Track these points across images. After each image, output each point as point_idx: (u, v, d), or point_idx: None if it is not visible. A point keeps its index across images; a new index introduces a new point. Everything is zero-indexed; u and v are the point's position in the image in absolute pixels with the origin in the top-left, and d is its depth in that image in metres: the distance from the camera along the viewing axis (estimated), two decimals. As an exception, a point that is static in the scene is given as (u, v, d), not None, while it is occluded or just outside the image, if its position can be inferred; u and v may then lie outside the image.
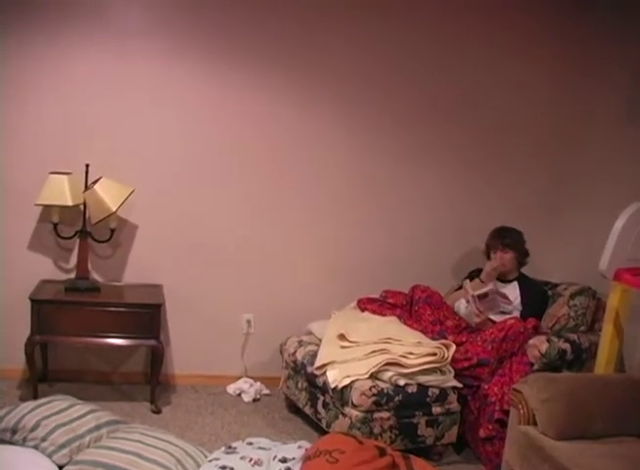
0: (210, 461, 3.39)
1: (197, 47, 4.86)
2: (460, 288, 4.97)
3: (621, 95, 5.12)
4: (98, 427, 3.58)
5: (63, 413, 3.58)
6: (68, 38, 4.70)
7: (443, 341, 4.31)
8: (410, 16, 5.11)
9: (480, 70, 5.28)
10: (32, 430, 3.40)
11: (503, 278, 4.90)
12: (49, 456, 3.28)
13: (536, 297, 4.88)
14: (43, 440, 3.35)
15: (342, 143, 5.19)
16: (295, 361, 4.60)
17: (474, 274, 5.00)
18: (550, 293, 4.96)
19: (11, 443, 3.40)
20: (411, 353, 4.11)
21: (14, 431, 3.42)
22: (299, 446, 3.55)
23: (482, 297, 4.65)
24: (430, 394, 4.12)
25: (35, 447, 3.33)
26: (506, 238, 4.87)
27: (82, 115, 4.79)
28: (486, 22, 5.22)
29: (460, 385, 4.22)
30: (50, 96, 4.74)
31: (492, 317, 4.69)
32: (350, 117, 5.17)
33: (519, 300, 4.82)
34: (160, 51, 4.82)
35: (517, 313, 4.74)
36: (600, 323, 4.36)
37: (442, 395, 4.16)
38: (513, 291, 4.85)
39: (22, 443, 3.37)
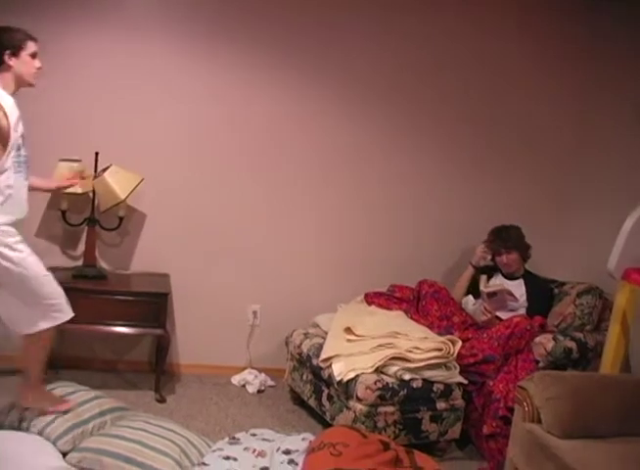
0: (214, 451, 3.41)
1: (210, 40, 4.87)
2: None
3: (629, 96, 5.11)
4: (102, 413, 3.61)
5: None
6: (81, 27, 4.71)
7: (449, 336, 4.31)
8: (420, 9, 5.12)
9: (489, 69, 5.28)
10: (37, 416, 3.42)
11: (509, 276, 4.90)
12: (53, 442, 3.30)
13: (542, 294, 4.87)
14: (47, 425, 3.37)
15: (349, 139, 5.20)
16: (300, 354, 4.60)
17: (485, 269, 5.01)
18: (556, 291, 4.95)
19: (19, 429, 3.42)
20: (417, 348, 4.11)
21: (21, 418, 3.44)
22: (303, 439, 3.56)
23: (492, 295, 4.66)
24: (434, 389, 4.12)
25: (40, 434, 3.35)
26: (508, 240, 4.86)
27: (93, 103, 4.80)
28: (499, 19, 5.22)
29: (465, 381, 4.22)
30: (62, 84, 4.73)
31: (499, 314, 4.70)
32: (359, 114, 5.18)
33: (524, 297, 4.81)
34: (174, 43, 4.83)
35: (522, 310, 4.73)
36: (606, 322, 4.35)
37: (447, 390, 4.15)
38: (519, 288, 4.84)
39: (28, 429, 3.39)
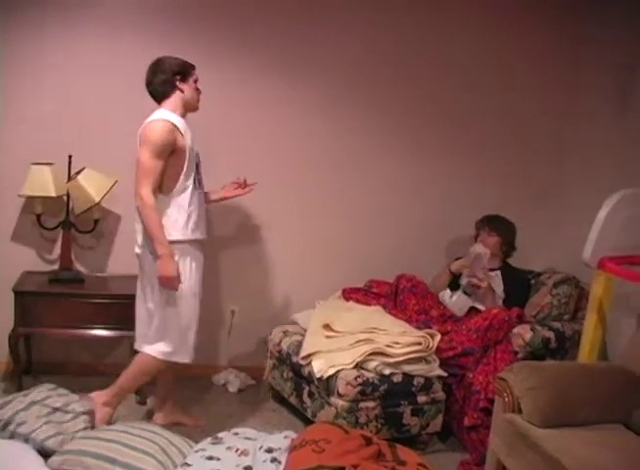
0: (197, 452, 3.41)
1: (182, 36, 4.84)
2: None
3: (614, 86, 5.15)
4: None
5: (57, 412, 3.59)
6: (51, 30, 4.68)
7: (428, 330, 4.33)
8: (415, 9, 5.14)
9: (476, 61, 5.28)
10: (23, 424, 3.41)
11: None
12: (40, 443, 3.30)
13: (519, 285, 4.91)
14: (34, 431, 3.37)
15: (332, 132, 5.20)
16: (280, 351, 4.61)
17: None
18: (533, 281, 5.00)
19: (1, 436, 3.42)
20: (396, 343, 4.12)
21: (7, 423, 3.43)
22: (285, 437, 3.57)
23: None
24: (415, 383, 4.13)
25: (26, 437, 3.34)
26: (493, 222, 4.91)
27: (66, 105, 4.77)
28: (487, 14, 5.23)
29: (445, 374, 4.24)
30: (32, 87, 4.71)
31: (477, 305, 4.73)
32: (348, 112, 5.19)
33: (502, 288, 4.84)
34: (146, 42, 4.79)
35: (500, 302, 4.76)
36: (583, 312, 4.38)
37: (427, 384, 4.17)
38: (496, 280, 4.87)
39: (14, 432, 3.38)
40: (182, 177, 3.84)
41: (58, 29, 4.68)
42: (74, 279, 4.71)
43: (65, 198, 4.70)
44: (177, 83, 3.88)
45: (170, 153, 3.77)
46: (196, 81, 3.98)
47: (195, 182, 3.94)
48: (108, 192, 4.58)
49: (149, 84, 3.94)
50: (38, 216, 4.71)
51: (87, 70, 4.76)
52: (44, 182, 4.53)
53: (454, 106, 5.32)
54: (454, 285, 4.96)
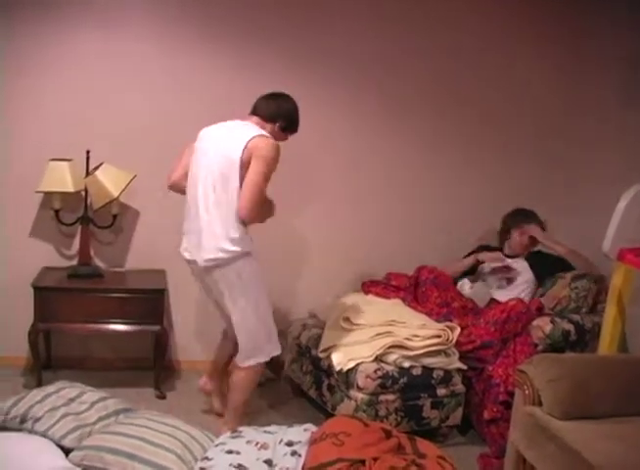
0: (217, 446, 3.40)
1: (203, 33, 4.86)
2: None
3: (619, 79, 5.14)
4: (107, 416, 3.60)
5: (72, 403, 3.60)
6: (71, 23, 4.69)
7: (448, 323, 4.32)
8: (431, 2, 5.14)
9: (493, 55, 5.29)
10: (41, 418, 3.42)
11: (514, 254, 5.03)
12: (58, 441, 3.30)
13: (551, 264, 4.96)
14: (52, 426, 3.37)
15: (353, 126, 5.20)
16: (299, 345, 4.61)
17: (481, 251, 5.10)
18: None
19: (19, 429, 3.42)
20: (416, 336, 4.12)
21: (23, 419, 3.44)
22: (305, 430, 3.56)
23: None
24: (434, 376, 4.13)
25: (44, 434, 3.34)
26: (530, 216, 5.01)
27: (83, 101, 4.78)
28: (500, 9, 5.24)
29: (464, 367, 4.23)
30: (51, 83, 4.73)
31: (498, 298, 4.74)
32: (359, 101, 5.18)
33: (531, 273, 4.89)
34: (164, 36, 4.82)
35: (531, 288, 4.86)
36: (603, 304, 4.36)
37: (447, 377, 4.17)
38: (520, 264, 4.97)
39: (31, 429, 3.39)
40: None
41: (77, 24, 4.69)
42: (93, 274, 4.73)
43: (83, 193, 4.71)
44: (277, 126, 3.96)
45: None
46: (286, 137, 4.08)
47: None
48: (126, 187, 4.59)
49: (263, 103, 4.00)
50: (57, 212, 4.73)
51: (106, 67, 4.77)
52: (62, 178, 4.55)
53: (472, 101, 5.33)
54: (472, 272, 4.99)
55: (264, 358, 3.99)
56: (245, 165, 3.70)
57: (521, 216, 5.01)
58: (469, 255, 5.11)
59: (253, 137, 3.74)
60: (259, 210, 3.76)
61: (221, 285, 3.86)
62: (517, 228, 4.98)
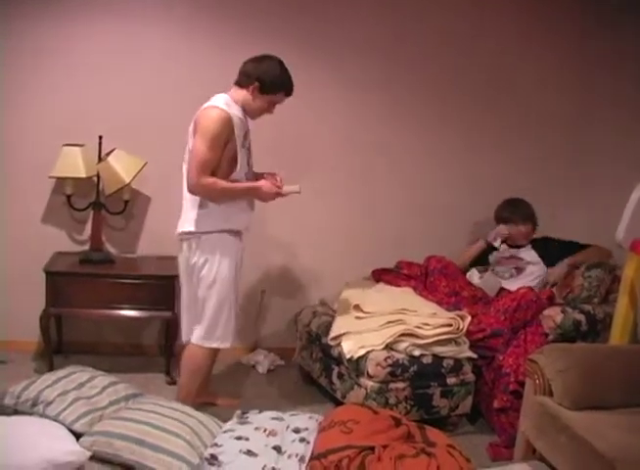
0: (225, 432, 3.41)
1: (214, 19, 4.85)
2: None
3: (633, 64, 5.12)
4: (117, 401, 3.61)
5: (83, 387, 3.61)
6: (83, 7, 4.68)
7: (458, 312, 4.31)
8: None
9: (502, 45, 5.25)
10: (52, 403, 3.44)
11: (514, 244, 5.01)
12: (69, 426, 3.32)
13: (559, 247, 4.95)
14: (64, 410, 3.39)
15: (357, 115, 5.18)
16: (309, 332, 4.61)
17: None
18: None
19: (31, 413, 3.44)
20: (426, 324, 4.11)
21: (34, 403, 3.45)
22: (310, 417, 3.58)
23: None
24: (445, 364, 4.12)
25: (55, 418, 3.36)
26: (520, 212, 4.95)
27: (96, 86, 4.78)
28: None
29: (475, 356, 4.21)
30: (63, 68, 4.73)
31: (508, 287, 4.72)
32: (364, 87, 5.15)
33: (540, 261, 4.90)
34: (177, 22, 4.81)
35: (542, 276, 4.85)
36: (615, 294, 4.34)
37: (457, 365, 4.16)
38: (528, 253, 4.95)
39: (43, 413, 3.41)
40: (235, 173, 3.82)
41: (90, 9, 4.69)
42: (105, 260, 4.73)
43: (95, 179, 4.71)
44: (252, 89, 3.79)
45: (224, 145, 3.72)
46: (275, 102, 3.90)
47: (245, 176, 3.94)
48: (138, 173, 4.59)
49: (243, 64, 3.86)
50: (69, 197, 4.73)
51: (118, 52, 4.77)
52: (75, 163, 4.55)
53: (486, 94, 5.32)
54: (481, 263, 4.99)
55: (215, 344, 4.01)
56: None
57: (507, 212, 4.97)
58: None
59: (202, 110, 3.74)
60: (203, 185, 3.68)
61: (190, 259, 3.92)
62: (511, 224, 4.94)
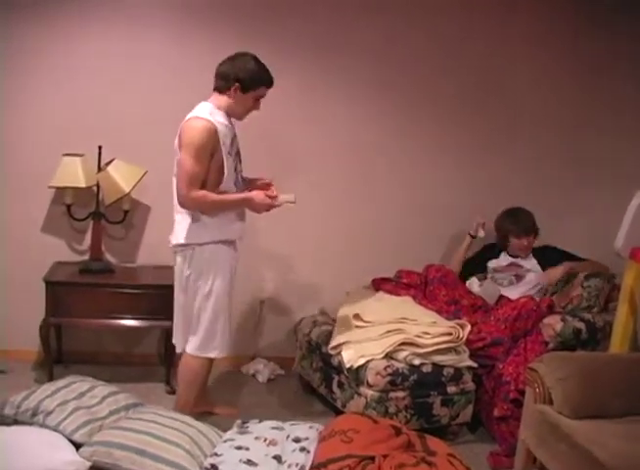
0: (225, 442, 3.40)
1: (211, 26, 4.86)
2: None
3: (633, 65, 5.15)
4: (117, 410, 3.61)
5: (83, 397, 3.60)
6: (79, 17, 4.70)
7: (458, 321, 4.31)
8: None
9: (498, 49, 5.24)
10: (52, 413, 3.43)
11: (515, 254, 5.02)
12: (69, 436, 3.31)
13: (553, 252, 4.99)
14: (63, 420, 3.38)
15: (357, 119, 5.18)
16: (309, 341, 4.61)
17: (487, 250, 5.11)
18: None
19: (31, 423, 3.43)
20: (426, 333, 4.11)
21: (34, 412, 3.45)
22: (310, 427, 3.57)
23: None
24: (445, 373, 4.12)
25: (55, 428, 3.35)
26: (530, 224, 4.96)
27: (95, 96, 4.79)
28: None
29: (475, 364, 4.21)
30: (63, 78, 4.74)
31: (507, 294, 4.73)
32: (365, 93, 5.16)
33: (540, 270, 4.93)
34: (175, 31, 4.82)
35: (542, 285, 4.90)
36: (615, 303, 4.34)
37: (457, 374, 4.16)
38: (529, 262, 4.98)
39: (42, 423, 3.40)
40: (223, 181, 3.80)
41: (86, 19, 4.71)
42: (105, 269, 4.74)
43: (95, 189, 4.72)
44: (233, 90, 3.75)
45: (211, 156, 3.70)
46: (259, 97, 3.85)
47: (235, 184, 3.92)
48: (137, 183, 4.60)
49: (217, 69, 3.82)
50: (68, 207, 4.74)
51: (117, 61, 4.79)
52: (74, 173, 4.56)
53: (483, 101, 5.31)
54: (480, 271, 5.01)
55: (211, 354, 4.01)
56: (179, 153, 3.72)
57: (510, 222, 4.96)
58: (472, 256, 5.14)
59: (185, 122, 3.73)
60: (193, 199, 3.68)
61: (184, 271, 3.92)
62: (511, 235, 4.94)
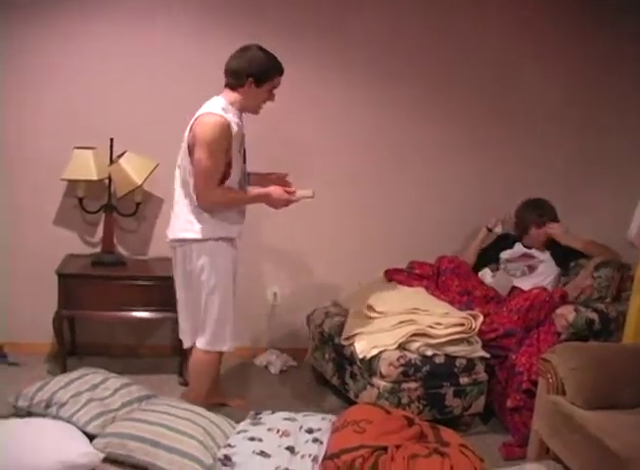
0: (239, 433, 3.40)
1: (223, 20, 4.85)
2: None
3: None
4: (130, 402, 3.62)
5: (96, 389, 3.62)
6: (93, 11, 4.70)
7: (471, 311, 4.30)
8: None
9: (509, 45, 5.24)
10: (65, 404, 3.44)
11: (532, 245, 5.01)
12: (82, 427, 3.32)
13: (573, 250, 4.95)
14: (77, 412, 3.39)
15: (371, 115, 5.19)
16: (322, 332, 4.61)
17: (501, 241, 5.11)
18: (573, 264, 4.94)
19: (44, 415, 3.45)
20: (439, 324, 4.11)
21: (48, 404, 3.46)
22: (323, 418, 3.57)
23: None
24: (457, 364, 4.12)
25: (68, 420, 3.37)
26: (552, 212, 4.98)
27: (107, 89, 4.80)
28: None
29: (487, 355, 4.21)
30: (75, 71, 4.75)
31: (520, 285, 4.72)
32: (379, 93, 5.17)
33: (553, 262, 4.94)
34: (188, 24, 4.82)
35: (554, 276, 4.89)
36: (628, 293, 4.32)
37: (470, 365, 4.15)
38: (543, 254, 4.97)
39: (56, 415, 3.42)
40: (229, 178, 3.77)
41: (100, 12, 4.71)
42: (117, 262, 4.75)
43: (106, 181, 4.73)
44: (247, 85, 3.70)
45: (225, 151, 3.67)
46: (274, 88, 3.80)
47: (240, 183, 3.90)
48: (149, 175, 4.60)
49: (226, 66, 3.78)
50: (81, 200, 4.75)
51: (130, 55, 4.79)
52: (86, 166, 4.57)
53: (493, 96, 5.32)
54: (493, 262, 5.01)
55: (224, 348, 4.01)
56: (191, 150, 3.69)
57: (535, 214, 4.95)
58: (486, 247, 5.13)
59: (197, 118, 3.69)
60: (212, 197, 3.69)
61: (186, 267, 3.90)
62: (534, 225, 4.94)
